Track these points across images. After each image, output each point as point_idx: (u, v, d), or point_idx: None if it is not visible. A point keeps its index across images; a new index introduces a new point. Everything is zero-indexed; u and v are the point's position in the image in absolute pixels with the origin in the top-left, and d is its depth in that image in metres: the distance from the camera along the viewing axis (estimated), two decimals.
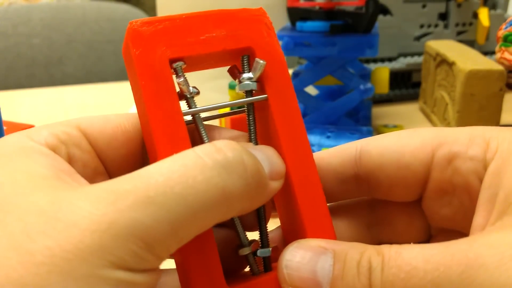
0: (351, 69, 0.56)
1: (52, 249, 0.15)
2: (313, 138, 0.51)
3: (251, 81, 0.22)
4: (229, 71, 0.23)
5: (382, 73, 0.56)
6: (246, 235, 0.23)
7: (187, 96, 0.22)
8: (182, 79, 0.21)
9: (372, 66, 0.64)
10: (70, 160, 0.21)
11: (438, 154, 0.21)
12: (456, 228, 0.22)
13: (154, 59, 0.20)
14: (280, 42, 0.51)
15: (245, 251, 0.23)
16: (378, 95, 0.67)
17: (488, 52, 0.70)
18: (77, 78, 1.07)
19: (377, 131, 0.58)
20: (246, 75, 0.23)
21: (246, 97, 0.23)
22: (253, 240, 0.23)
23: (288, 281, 0.20)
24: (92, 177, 0.21)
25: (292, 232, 0.23)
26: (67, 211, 0.16)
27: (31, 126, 0.39)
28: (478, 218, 0.20)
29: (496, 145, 0.20)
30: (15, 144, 0.20)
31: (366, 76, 0.57)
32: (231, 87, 0.51)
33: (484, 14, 0.67)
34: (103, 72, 1.10)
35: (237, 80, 0.23)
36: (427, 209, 0.23)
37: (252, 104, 0.23)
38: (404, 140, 0.22)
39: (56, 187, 0.18)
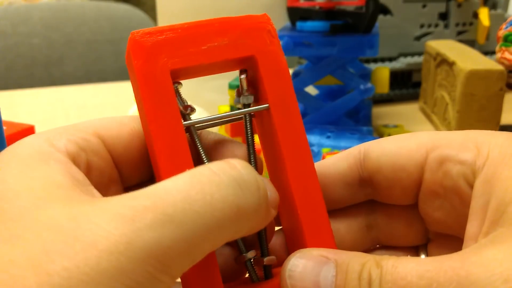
0: (351, 69, 0.56)
1: (70, 271, 0.15)
2: (313, 138, 0.51)
3: (248, 95, 0.23)
4: (240, 74, 0.23)
5: (382, 73, 0.56)
6: (243, 244, 0.23)
7: (184, 114, 0.22)
8: (178, 97, 0.22)
9: (372, 66, 0.64)
10: (89, 168, 0.21)
11: (431, 156, 0.22)
12: (451, 233, 0.23)
13: (155, 71, 0.20)
14: (280, 42, 0.51)
15: (244, 259, 0.23)
16: (378, 95, 0.67)
17: (488, 52, 0.70)
18: (77, 78, 1.07)
19: (377, 131, 0.58)
20: (243, 93, 0.23)
21: (244, 108, 0.23)
22: (252, 250, 0.23)
23: None
24: (107, 185, 0.21)
25: (293, 240, 0.23)
26: (85, 229, 0.16)
27: (31, 126, 0.39)
28: (471, 227, 0.20)
29: (487, 151, 0.20)
30: (33, 148, 0.19)
31: (366, 76, 0.56)
32: (231, 87, 0.51)
33: (484, 14, 0.67)
34: (103, 72, 1.10)
35: (235, 93, 0.23)
36: (422, 212, 0.23)
37: (249, 115, 0.23)
38: (401, 143, 0.23)
39: (72, 199, 0.17)
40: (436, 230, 0.23)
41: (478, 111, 0.50)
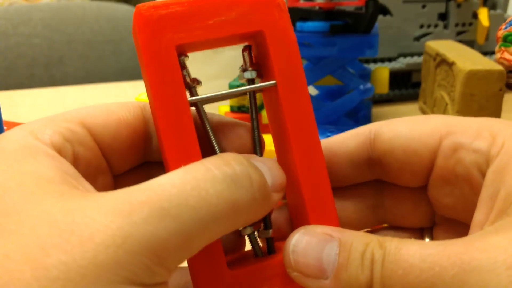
0: (351, 69, 0.56)
1: (67, 264, 0.15)
2: None
3: (251, 70, 0.22)
4: (243, 51, 0.23)
5: (382, 73, 0.56)
6: None
7: (191, 86, 0.22)
8: (184, 70, 0.21)
9: (372, 66, 0.64)
10: (75, 160, 0.21)
11: (444, 142, 0.21)
12: (458, 218, 0.23)
13: (160, 46, 0.20)
14: None
15: (247, 231, 0.23)
16: (378, 95, 0.67)
17: (488, 52, 0.70)
18: (77, 78, 1.07)
19: None
20: (247, 67, 0.22)
21: (249, 85, 0.23)
22: (256, 222, 0.23)
23: (293, 266, 0.20)
24: (95, 175, 0.21)
25: (297, 216, 0.23)
26: (81, 223, 0.16)
27: None
28: (478, 215, 0.20)
29: (502, 141, 0.20)
30: (18, 142, 0.19)
31: (366, 76, 0.57)
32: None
33: (483, 14, 0.67)
34: (103, 72, 1.10)
35: (239, 69, 0.23)
36: (431, 196, 0.23)
37: (253, 92, 0.23)
38: (415, 126, 0.22)
39: (65, 193, 0.17)
40: (444, 214, 0.23)
41: (478, 111, 0.50)
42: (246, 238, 0.23)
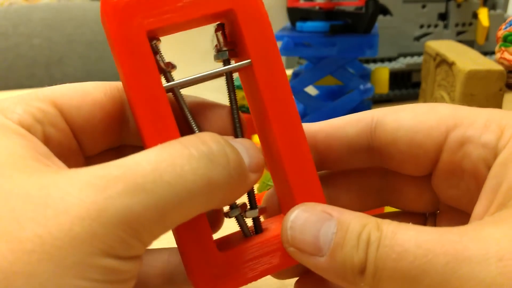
0: (351, 69, 0.56)
1: (43, 237, 0.15)
2: None
3: (225, 51, 0.22)
4: (216, 32, 0.23)
5: (382, 73, 0.56)
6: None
7: (165, 71, 0.21)
8: (158, 56, 0.21)
9: (372, 66, 0.64)
10: (46, 140, 0.20)
11: (451, 136, 0.21)
12: (463, 209, 0.22)
13: (130, 33, 0.20)
14: (280, 43, 0.51)
15: (235, 212, 0.23)
16: (378, 95, 0.67)
17: (488, 52, 0.70)
18: (77, 78, 1.07)
19: None
20: (221, 45, 0.22)
21: (224, 65, 0.22)
22: (242, 203, 0.23)
23: (290, 242, 0.20)
24: (67, 157, 0.21)
25: (284, 196, 0.24)
26: (56, 197, 0.16)
27: None
28: (479, 207, 0.20)
29: (510, 134, 0.20)
30: None
31: (366, 76, 0.57)
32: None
33: (483, 14, 0.67)
34: (103, 72, 1.10)
35: (214, 49, 0.23)
36: (435, 186, 0.23)
37: (230, 73, 0.23)
38: (420, 117, 0.22)
39: (39, 169, 0.17)
40: (448, 203, 0.23)
41: None
42: (234, 219, 0.24)
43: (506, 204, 0.18)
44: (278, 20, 0.63)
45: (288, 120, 0.22)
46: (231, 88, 0.23)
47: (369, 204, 0.25)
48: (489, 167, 0.20)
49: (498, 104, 0.50)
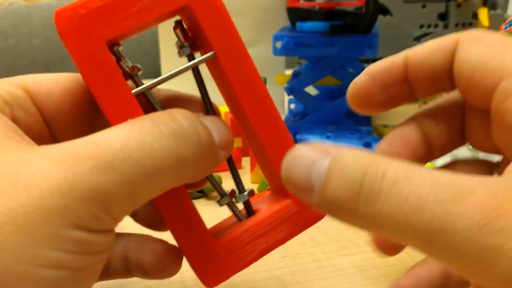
0: (351, 69, 0.56)
1: (14, 210, 0.16)
2: (313, 138, 0.51)
3: (187, 46, 0.23)
4: (175, 29, 0.23)
5: None
6: (222, 187, 0.24)
7: (132, 75, 0.22)
8: (122, 61, 0.21)
9: None
10: (15, 122, 0.20)
11: (501, 85, 0.20)
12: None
13: (90, 45, 0.20)
14: (280, 43, 0.51)
15: (225, 200, 0.24)
16: None
17: None
18: None
19: (377, 131, 0.58)
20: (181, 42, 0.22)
21: (189, 61, 0.23)
22: (231, 190, 0.24)
23: (285, 181, 0.19)
24: (36, 141, 0.21)
25: (271, 177, 0.24)
26: (26, 172, 0.16)
27: None
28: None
29: None
30: None
31: None
32: None
33: (483, 14, 0.67)
34: None
35: (176, 45, 0.23)
36: (491, 132, 0.22)
37: (196, 67, 0.23)
38: (484, 57, 0.21)
39: (9, 146, 0.18)
40: (502, 153, 0.23)
41: None
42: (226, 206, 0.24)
43: None
44: (278, 20, 0.63)
45: (259, 102, 0.22)
46: (200, 81, 0.23)
47: (455, 140, 0.25)
48: None
49: None
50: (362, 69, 0.57)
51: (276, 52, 0.51)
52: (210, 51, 0.22)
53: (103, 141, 0.17)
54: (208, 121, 0.21)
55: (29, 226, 0.16)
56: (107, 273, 0.23)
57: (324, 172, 0.18)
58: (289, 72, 0.61)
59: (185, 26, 0.23)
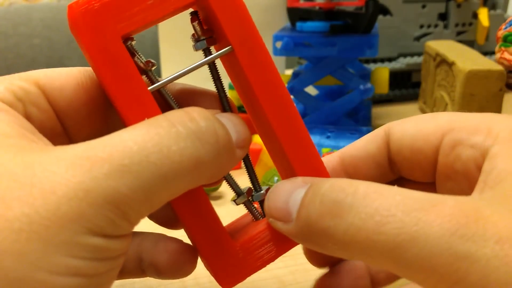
0: (351, 69, 0.56)
1: (30, 216, 0.15)
2: (313, 138, 0.51)
3: (203, 40, 0.22)
4: (192, 22, 0.22)
5: (382, 73, 0.56)
6: (238, 185, 0.24)
7: (146, 70, 0.21)
8: (136, 56, 0.21)
9: (372, 66, 0.64)
10: (27, 119, 0.20)
11: (445, 140, 0.22)
12: None
13: (104, 41, 0.19)
14: (280, 43, 0.51)
15: (242, 199, 0.23)
16: (378, 95, 0.67)
17: (488, 52, 0.70)
18: None
19: None
20: (198, 34, 0.22)
21: (206, 56, 0.22)
22: (247, 187, 0.24)
23: (267, 212, 0.21)
24: (50, 138, 0.21)
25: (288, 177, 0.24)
26: (42, 176, 0.16)
27: None
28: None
29: (497, 133, 0.20)
30: None
31: (366, 76, 0.57)
32: (231, 87, 0.51)
33: (484, 14, 0.67)
34: None
35: (191, 39, 0.22)
36: (438, 192, 0.23)
37: (212, 63, 0.22)
38: (421, 125, 0.23)
39: (24, 147, 0.17)
40: None
41: (478, 111, 0.50)
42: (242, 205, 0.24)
43: (494, 187, 0.18)
44: (278, 20, 0.63)
45: (279, 101, 0.21)
46: (216, 77, 0.23)
47: None
48: (479, 167, 0.20)
49: (498, 104, 0.50)
50: (362, 69, 0.57)
51: (276, 52, 0.51)
52: (226, 46, 0.21)
53: (120, 143, 0.17)
54: (225, 118, 0.20)
55: (45, 233, 0.15)
56: (121, 273, 0.23)
57: (300, 198, 0.19)
58: (289, 72, 0.61)
59: (200, 19, 0.22)
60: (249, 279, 0.22)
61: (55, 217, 0.15)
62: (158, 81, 0.21)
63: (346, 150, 0.24)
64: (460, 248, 0.16)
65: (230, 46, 0.21)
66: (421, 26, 0.68)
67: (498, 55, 0.50)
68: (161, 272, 0.22)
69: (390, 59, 0.69)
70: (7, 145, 0.17)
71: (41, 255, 0.15)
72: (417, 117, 0.23)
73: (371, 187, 0.18)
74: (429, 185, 0.24)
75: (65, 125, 0.22)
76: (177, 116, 0.18)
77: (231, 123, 0.20)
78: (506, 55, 0.49)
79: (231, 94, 0.52)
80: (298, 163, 0.22)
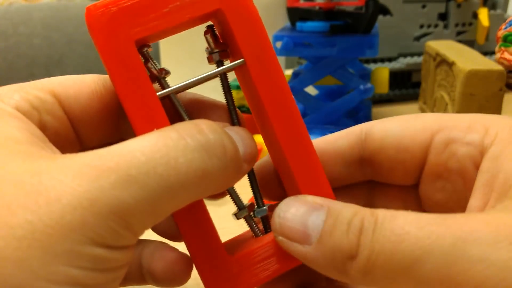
0: (351, 69, 0.56)
1: (34, 224, 0.15)
2: (313, 138, 0.51)
3: (216, 52, 0.22)
4: (205, 34, 0.22)
5: (382, 73, 0.56)
6: (241, 199, 0.23)
7: (159, 78, 0.21)
8: (150, 62, 0.21)
9: (372, 66, 0.64)
10: (43, 128, 0.20)
11: (436, 138, 0.21)
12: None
13: (118, 44, 0.19)
14: (280, 43, 0.51)
15: (243, 213, 0.23)
16: (378, 95, 0.67)
17: (488, 52, 0.70)
18: None
19: None
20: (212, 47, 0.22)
21: (218, 67, 0.22)
22: (250, 203, 0.23)
23: (279, 230, 0.20)
24: (63, 146, 0.21)
25: (291, 192, 0.23)
26: (48, 184, 0.16)
27: None
28: (474, 201, 0.20)
29: (495, 132, 0.20)
30: None
31: (366, 76, 0.57)
32: (231, 87, 0.51)
33: (483, 14, 0.67)
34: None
35: (206, 51, 0.23)
36: (422, 194, 0.23)
37: (224, 74, 0.23)
38: (406, 124, 0.22)
39: (32, 154, 0.17)
40: (434, 212, 0.23)
41: (478, 111, 0.50)
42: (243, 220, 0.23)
43: (506, 194, 0.18)
44: (278, 20, 0.63)
45: (287, 116, 0.21)
46: (227, 89, 0.23)
47: None
48: (476, 164, 0.20)
49: (498, 104, 0.50)
50: (362, 69, 0.57)
51: (276, 52, 0.51)
52: (239, 59, 0.21)
53: (128, 153, 0.17)
54: (234, 132, 0.20)
55: (47, 241, 0.15)
56: (124, 280, 0.23)
57: (321, 223, 0.19)
58: (289, 72, 0.61)
59: (216, 32, 0.22)
60: None
61: (58, 226, 0.15)
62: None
63: (314, 142, 0.23)
64: (474, 252, 0.16)
65: (242, 60, 0.21)
66: (421, 26, 0.68)
67: (498, 55, 0.50)
68: (157, 280, 0.22)
69: (390, 59, 0.69)
70: (16, 151, 0.17)
71: (42, 264, 0.15)
72: (399, 117, 0.23)
73: (388, 212, 0.18)
74: (404, 189, 0.24)
75: (78, 132, 0.22)
76: (186, 128, 0.18)
77: (239, 137, 0.20)
78: (506, 55, 0.49)
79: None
80: (302, 177, 0.22)
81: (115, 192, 0.16)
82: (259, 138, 0.24)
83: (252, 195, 0.24)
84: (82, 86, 0.22)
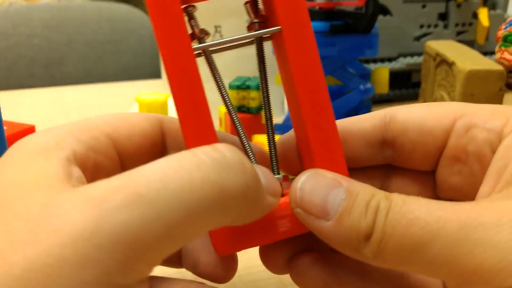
0: (351, 69, 0.56)
1: (31, 261, 0.14)
2: None
3: (255, 22, 0.23)
4: (245, 4, 0.23)
5: (382, 73, 0.56)
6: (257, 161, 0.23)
7: (199, 37, 0.22)
8: (193, 21, 0.22)
9: (372, 66, 0.64)
10: (95, 169, 0.20)
11: (458, 123, 0.22)
12: (463, 199, 0.23)
13: (164, 2, 0.20)
14: None
15: None
16: (378, 95, 0.67)
17: (488, 52, 0.70)
18: (77, 78, 1.07)
19: None
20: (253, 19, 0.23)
21: (256, 43, 0.23)
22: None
23: (298, 202, 0.20)
24: None
25: (306, 163, 0.24)
26: (53, 215, 0.15)
27: (31, 126, 0.39)
28: (484, 187, 0.20)
29: None
30: (39, 144, 0.19)
31: (366, 76, 0.57)
32: (231, 87, 0.51)
33: (484, 14, 0.67)
34: (103, 72, 1.10)
35: (246, 21, 0.24)
36: (439, 177, 0.23)
37: (261, 39, 0.23)
38: (430, 109, 0.23)
39: (54, 187, 0.16)
40: (450, 197, 0.24)
41: None
42: None
43: (508, 186, 0.19)
44: None
45: (314, 90, 0.22)
46: (261, 57, 0.23)
47: None
48: (493, 150, 0.21)
49: (498, 104, 0.50)
50: (362, 69, 0.57)
51: None
52: (276, 27, 0.22)
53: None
54: (255, 166, 0.20)
55: (44, 281, 0.14)
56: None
57: (340, 201, 0.19)
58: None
59: (260, 5, 0.23)
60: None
61: (56, 263, 0.14)
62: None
63: (338, 122, 0.24)
64: (477, 236, 0.16)
65: (279, 27, 0.21)
66: (421, 26, 0.68)
67: (498, 55, 0.50)
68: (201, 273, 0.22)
69: (390, 59, 0.69)
70: (41, 186, 0.16)
71: None
72: (423, 104, 0.23)
73: (400, 196, 0.19)
74: (420, 175, 0.24)
75: (126, 169, 0.22)
76: (201, 148, 0.17)
77: (259, 170, 0.19)
78: (506, 55, 0.49)
79: (230, 93, 0.52)
80: (320, 151, 0.22)
81: (121, 215, 0.14)
82: (261, 138, 0.24)
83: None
84: (133, 126, 0.22)
